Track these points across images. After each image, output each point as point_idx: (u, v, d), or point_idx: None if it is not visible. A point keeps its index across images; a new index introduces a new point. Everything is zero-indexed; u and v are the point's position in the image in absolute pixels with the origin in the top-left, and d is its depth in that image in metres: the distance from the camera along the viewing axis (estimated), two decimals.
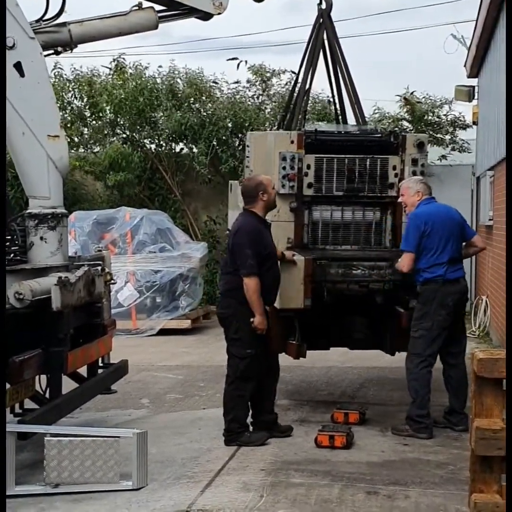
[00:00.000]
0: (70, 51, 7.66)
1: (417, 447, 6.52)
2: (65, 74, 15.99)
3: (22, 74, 6.42)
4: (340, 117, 8.30)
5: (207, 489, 5.57)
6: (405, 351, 7.58)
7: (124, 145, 15.68)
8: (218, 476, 5.84)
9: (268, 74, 16.04)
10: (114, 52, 16.39)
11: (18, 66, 6.41)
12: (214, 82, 15.99)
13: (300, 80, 8.12)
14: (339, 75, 8.02)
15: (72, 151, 16.28)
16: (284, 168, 7.24)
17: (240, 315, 6.58)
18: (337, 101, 8.31)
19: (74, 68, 16.14)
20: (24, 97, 6.38)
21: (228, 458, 6.27)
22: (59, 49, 7.40)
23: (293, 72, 14.99)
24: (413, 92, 15.66)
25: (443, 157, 15.84)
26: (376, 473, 5.86)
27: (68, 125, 15.80)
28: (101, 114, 15.83)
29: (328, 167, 7.24)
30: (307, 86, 8.14)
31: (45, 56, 6.84)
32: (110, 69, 16.16)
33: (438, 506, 5.22)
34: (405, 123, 15.76)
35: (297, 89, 8.23)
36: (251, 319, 6.54)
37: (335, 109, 8.37)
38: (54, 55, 7.54)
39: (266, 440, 6.61)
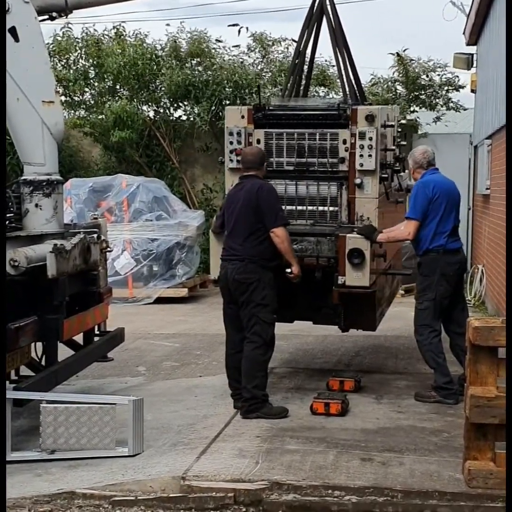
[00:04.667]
0: (65, 17, 7.58)
1: (412, 415, 6.55)
2: (73, 35, 15.93)
3: (16, 39, 6.36)
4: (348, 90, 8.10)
5: (202, 456, 5.59)
6: (357, 328, 7.61)
7: (129, 104, 15.57)
8: (214, 443, 5.87)
9: (269, 42, 15.96)
10: (116, 17, 16.37)
11: (12, 30, 6.34)
12: (217, 40, 15.90)
13: (300, 49, 8.02)
14: (337, 48, 7.91)
15: (73, 110, 16.16)
16: (231, 143, 7.28)
17: (266, 280, 6.54)
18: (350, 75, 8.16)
19: (85, 28, 16.14)
20: (18, 62, 6.32)
21: (224, 425, 6.29)
22: (54, 14, 7.32)
23: (294, 40, 14.92)
24: (406, 49, 15.58)
25: (438, 118, 15.75)
26: (370, 440, 5.89)
27: (71, 83, 15.70)
28: (105, 76, 15.73)
29: (277, 142, 7.18)
30: (308, 56, 8.07)
31: (40, 21, 6.77)
32: (111, 37, 16.09)
33: (432, 473, 5.24)
34: (399, 88, 15.68)
35: (299, 57, 8.12)
36: (288, 269, 6.57)
37: (342, 82, 8.18)
38: (49, 21, 7.46)
39: (287, 414, 6.51)
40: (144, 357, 9.03)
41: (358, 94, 7.90)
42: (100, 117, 15.75)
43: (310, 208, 7.16)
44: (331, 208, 7.14)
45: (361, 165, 6.93)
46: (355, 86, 7.87)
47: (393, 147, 7.41)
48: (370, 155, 6.90)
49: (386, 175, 7.12)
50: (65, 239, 6.60)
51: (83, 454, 5.68)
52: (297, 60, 7.98)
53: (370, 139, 6.88)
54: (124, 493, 5.14)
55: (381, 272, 7.40)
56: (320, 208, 7.18)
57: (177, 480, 5.19)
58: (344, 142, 7.00)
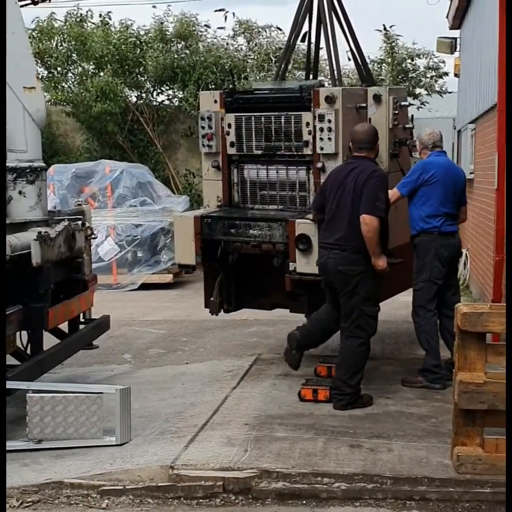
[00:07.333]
0: (48, 1, 7.51)
1: (399, 400, 6.55)
2: (56, 23, 15.93)
3: None
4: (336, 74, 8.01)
5: (191, 444, 5.56)
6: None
7: (112, 79, 15.47)
8: (202, 431, 5.84)
9: (255, 30, 16.01)
10: (102, 0, 16.41)
11: None
12: (206, 25, 15.93)
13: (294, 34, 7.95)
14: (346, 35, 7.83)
15: (55, 86, 16.03)
16: (203, 127, 7.23)
17: (370, 271, 6.24)
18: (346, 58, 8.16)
19: (67, 13, 16.18)
20: None
21: (212, 413, 6.26)
22: None
23: (279, 28, 15.10)
24: (392, 26, 15.75)
25: (422, 104, 15.80)
26: (359, 427, 5.88)
27: (53, 59, 15.62)
28: (88, 57, 15.62)
29: (246, 126, 7.13)
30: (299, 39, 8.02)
31: (21, 6, 6.68)
32: (95, 24, 16.05)
33: (421, 459, 5.24)
34: (384, 71, 15.73)
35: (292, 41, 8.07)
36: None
37: (330, 65, 8.07)
38: (32, 5, 7.38)
39: (373, 401, 6.44)
40: (129, 345, 8.99)
41: (366, 76, 7.85)
42: (83, 93, 15.61)
43: (281, 193, 7.10)
44: (300, 193, 7.09)
45: (322, 148, 6.81)
46: (363, 68, 7.83)
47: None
48: (329, 138, 6.75)
49: None
50: (49, 226, 6.55)
51: (70, 444, 5.65)
52: (289, 44, 7.93)
53: (329, 121, 6.73)
54: (112, 482, 5.11)
55: None
56: (290, 192, 7.12)
57: (166, 469, 5.16)
58: (307, 125, 6.86)
